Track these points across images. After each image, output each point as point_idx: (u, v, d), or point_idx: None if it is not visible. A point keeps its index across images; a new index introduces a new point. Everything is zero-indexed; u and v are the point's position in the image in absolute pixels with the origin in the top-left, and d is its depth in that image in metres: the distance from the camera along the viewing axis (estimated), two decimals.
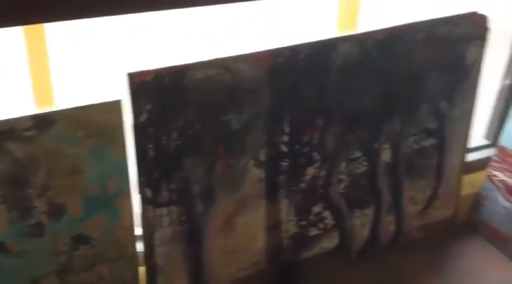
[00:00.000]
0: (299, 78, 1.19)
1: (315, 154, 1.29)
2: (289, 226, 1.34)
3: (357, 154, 1.35)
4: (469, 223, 1.65)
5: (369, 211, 1.43)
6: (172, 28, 2.30)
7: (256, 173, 1.23)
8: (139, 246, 1.20)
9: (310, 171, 1.31)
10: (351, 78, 1.24)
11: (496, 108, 1.63)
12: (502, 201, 1.53)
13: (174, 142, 1.11)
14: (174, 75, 1.06)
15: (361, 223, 1.43)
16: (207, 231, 1.22)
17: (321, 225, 1.38)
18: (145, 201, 1.14)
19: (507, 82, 1.58)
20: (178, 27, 2.31)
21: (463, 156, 1.51)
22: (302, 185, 1.31)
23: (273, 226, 1.32)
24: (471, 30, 1.32)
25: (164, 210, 1.16)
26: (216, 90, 1.10)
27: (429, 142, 1.42)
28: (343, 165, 1.34)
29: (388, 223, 1.47)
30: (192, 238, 1.22)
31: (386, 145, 1.37)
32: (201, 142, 1.13)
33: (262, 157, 1.22)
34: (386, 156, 1.38)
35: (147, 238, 1.17)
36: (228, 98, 1.12)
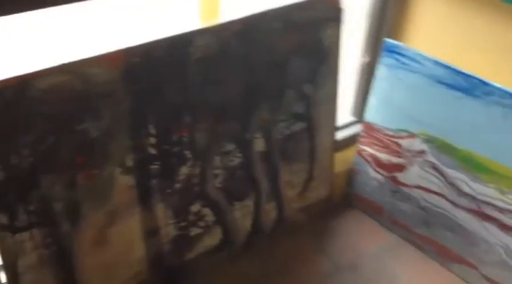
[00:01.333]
0: (158, 76, 1.13)
1: (186, 152, 1.25)
2: (169, 230, 1.29)
3: (230, 147, 1.33)
4: (345, 198, 1.70)
5: (249, 202, 1.42)
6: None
7: (124, 180, 1.16)
8: (2, 277, 1.09)
9: (184, 170, 1.26)
10: (212, 71, 1.20)
11: (358, 85, 1.69)
12: (372, 173, 1.60)
13: (26, 159, 1.01)
14: (16, 86, 0.96)
15: (242, 215, 1.42)
16: (78, 249, 1.14)
17: (201, 223, 1.35)
18: (1, 228, 1.03)
19: (366, 59, 1.63)
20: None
21: (332, 135, 1.55)
22: (177, 186, 1.26)
23: (151, 233, 1.26)
24: (325, 12, 1.34)
25: (25, 235, 1.06)
26: (66, 98, 1.01)
27: (299, 126, 1.44)
28: (217, 160, 1.31)
29: (269, 210, 1.48)
30: (62, 260, 1.12)
31: (258, 135, 1.36)
32: (57, 156, 1.04)
33: (129, 163, 1.15)
34: (259, 145, 1.38)
35: (10, 267, 1.06)
36: (82, 105, 1.04)
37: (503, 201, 1.33)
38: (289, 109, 1.39)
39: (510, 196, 1.32)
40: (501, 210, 1.35)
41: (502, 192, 1.33)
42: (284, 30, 1.27)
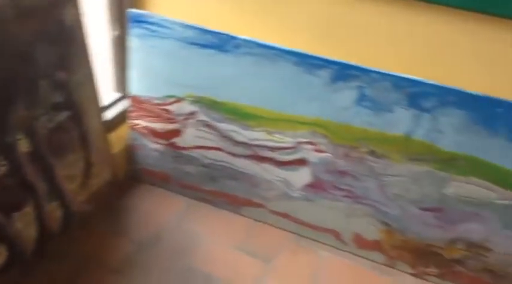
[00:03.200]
0: None
1: None
2: None
3: None
4: (131, 176, 1.68)
5: (29, 209, 1.30)
6: None
7: None
8: None
9: None
10: None
11: (115, 61, 1.64)
12: (151, 145, 1.60)
13: None
14: None
15: (25, 224, 1.30)
16: None
17: None
18: None
19: (116, 33, 1.59)
20: None
21: (100, 117, 1.49)
22: None
23: None
24: None
25: None
26: None
27: (63, 116, 1.35)
28: None
29: (54, 210, 1.38)
30: None
31: (20, 135, 1.24)
32: None
33: None
34: (24, 146, 1.26)
35: None
36: None
37: (272, 140, 1.46)
38: (48, 101, 1.29)
39: (277, 135, 1.44)
40: (272, 149, 1.47)
41: (270, 133, 1.45)
42: (19, 18, 1.15)
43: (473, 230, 1.33)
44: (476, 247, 1.35)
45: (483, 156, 1.25)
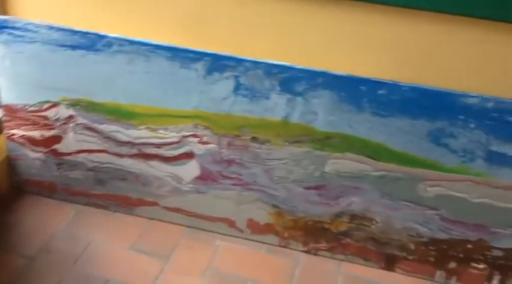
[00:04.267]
0: None
1: None
2: None
3: None
4: (14, 188, 1.61)
5: None
6: None
7: None
8: None
9: None
10: None
11: None
12: (32, 154, 1.54)
13: None
14: None
15: None
16: None
17: None
18: None
19: None
20: None
21: None
22: None
23: None
24: None
25: None
26: None
27: None
28: None
29: None
30: None
31: None
32: None
33: None
34: None
35: None
36: None
37: (157, 137, 1.45)
38: None
39: (160, 131, 1.44)
40: (158, 146, 1.47)
41: (153, 130, 1.44)
42: None
43: (355, 202, 1.41)
44: (359, 218, 1.43)
45: (354, 132, 1.32)
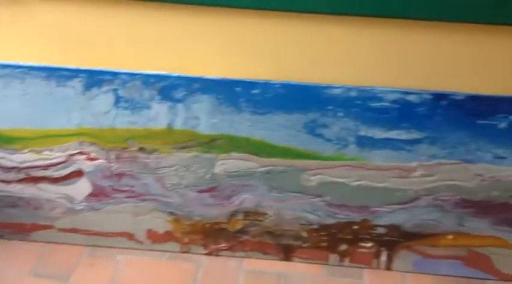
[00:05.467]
0: None
1: None
2: None
3: None
4: None
5: None
6: None
7: None
8: None
9: None
10: None
11: None
12: None
13: None
14: None
15: None
16: None
17: None
18: None
19: None
20: None
21: None
22: None
23: None
24: None
25: None
26: None
27: None
28: None
29: None
30: None
31: None
32: None
33: None
34: None
35: None
36: None
37: (42, 159, 1.44)
38: None
39: (45, 153, 1.43)
40: (45, 167, 1.45)
41: (38, 152, 1.43)
42: None
43: (247, 200, 1.47)
44: (253, 215, 1.49)
45: (236, 132, 1.38)
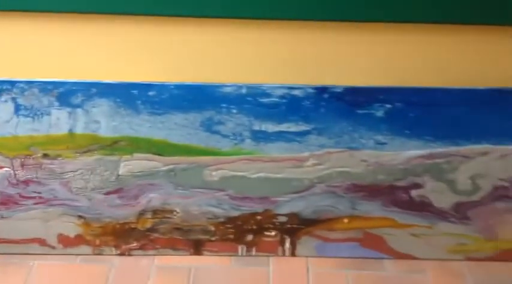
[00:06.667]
0: None
1: None
2: None
3: None
4: None
5: None
6: None
7: None
8: None
9: None
10: None
11: None
12: None
13: None
14: None
15: None
16: None
17: None
18: None
19: None
20: None
21: None
22: None
23: None
24: None
25: None
26: None
27: None
28: None
29: None
30: None
31: None
32: None
33: None
34: None
35: None
36: None
37: None
38: None
39: None
40: None
41: None
42: None
43: (154, 198, 1.52)
44: (161, 212, 1.54)
45: (137, 133, 1.43)
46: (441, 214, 1.52)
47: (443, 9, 1.32)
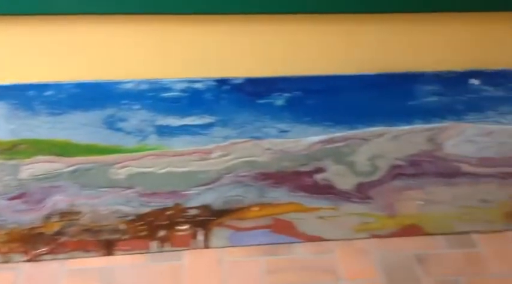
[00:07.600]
0: None
1: None
2: None
3: None
4: None
5: None
6: None
7: None
8: None
9: None
10: None
11: None
12: None
13: None
14: None
15: None
16: None
17: None
18: None
19: None
20: None
21: None
22: None
23: None
24: None
25: None
26: None
27: None
28: None
29: None
30: None
31: None
32: None
33: None
34: None
35: None
36: None
37: None
38: None
39: None
40: None
41: None
42: None
43: (59, 201, 1.49)
44: (68, 215, 1.51)
45: (37, 135, 1.40)
46: (344, 196, 1.59)
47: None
